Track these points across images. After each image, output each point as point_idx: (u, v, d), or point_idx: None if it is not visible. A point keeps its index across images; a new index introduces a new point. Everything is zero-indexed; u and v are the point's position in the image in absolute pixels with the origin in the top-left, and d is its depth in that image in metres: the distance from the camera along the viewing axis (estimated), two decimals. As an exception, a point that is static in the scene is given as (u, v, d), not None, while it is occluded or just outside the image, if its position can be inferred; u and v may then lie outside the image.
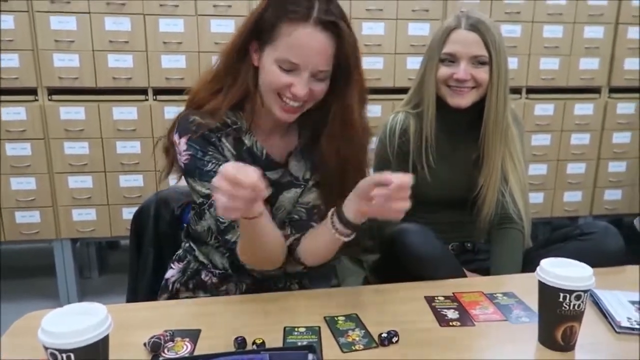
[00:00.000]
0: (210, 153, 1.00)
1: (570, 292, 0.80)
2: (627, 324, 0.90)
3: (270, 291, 1.09)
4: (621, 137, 2.63)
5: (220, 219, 1.00)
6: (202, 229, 1.10)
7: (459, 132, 1.36)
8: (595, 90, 2.58)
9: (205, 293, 1.12)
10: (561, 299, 0.81)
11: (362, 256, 1.53)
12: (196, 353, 0.81)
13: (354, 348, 0.84)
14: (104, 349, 0.67)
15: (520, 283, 1.10)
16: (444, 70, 1.28)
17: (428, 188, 1.36)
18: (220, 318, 0.93)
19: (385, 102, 2.38)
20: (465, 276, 1.23)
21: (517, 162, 1.32)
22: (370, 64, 2.35)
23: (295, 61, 0.93)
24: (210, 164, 0.99)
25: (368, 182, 0.90)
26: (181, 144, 1.00)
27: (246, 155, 1.04)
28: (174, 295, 1.14)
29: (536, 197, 2.61)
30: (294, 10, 0.92)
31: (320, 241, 1.02)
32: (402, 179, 0.85)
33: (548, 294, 0.83)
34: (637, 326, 0.90)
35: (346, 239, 0.97)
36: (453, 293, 1.04)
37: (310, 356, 0.73)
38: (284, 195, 1.08)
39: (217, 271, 1.12)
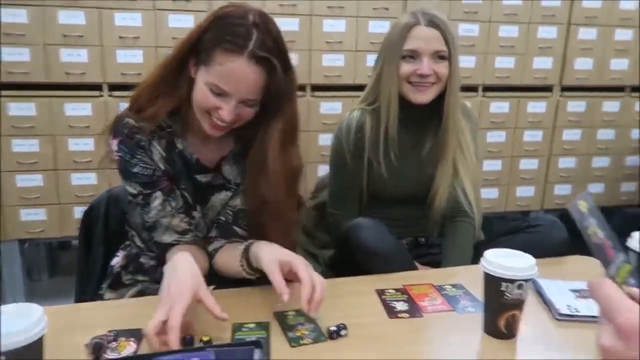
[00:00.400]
0: (138, 156, 1.03)
1: (512, 281, 0.83)
2: (567, 312, 0.94)
3: (210, 274, 1.09)
4: (571, 134, 2.73)
5: (146, 218, 1.04)
6: (134, 223, 1.12)
7: (418, 128, 1.38)
8: (548, 88, 2.67)
9: (145, 275, 1.13)
10: (503, 288, 0.83)
11: (317, 251, 1.53)
12: (140, 352, 0.79)
13: (302, 342, 0.84)
14: (38, 351, 0.65)
15: (469, 274, 1.13)
16: (406, 67, 1.30)
17: (384, 184, 1.37)
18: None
19: (345, 99, 2.39)
20: (417, 269, 1.25)
21: (468, 155, 1.35)
22: (331, 61, 2.36)
23: (224, 88, 0.95)
24: (137, 167, 1.03)
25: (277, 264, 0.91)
26: (113, 144, 1.04)
27: (177, 158, 1.07)
28: (116, 279, 1.14)
29: (491, 192, 2.68)
30: (231, 40, 0.93)
31: (232, 266, 1.03)
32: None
33: (491, 284, 0.85)
34: (576, 313, 0.93)
35: (253, 277, 1.00)
36: (403, 285, 1.06)
37: (256, 352, 0.73)
38: (216, 196, 1.11)
39: (153, 254, 1.12)
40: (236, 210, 1.11)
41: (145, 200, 1.04)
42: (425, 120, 1.37)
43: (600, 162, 2.84)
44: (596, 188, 2.87)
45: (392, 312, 0.95)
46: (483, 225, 1.51)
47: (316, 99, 2.36)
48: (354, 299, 1.00)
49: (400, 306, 0.97)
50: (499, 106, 2.59)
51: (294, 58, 1.02)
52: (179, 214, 1.06)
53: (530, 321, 0.91)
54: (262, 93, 0.98)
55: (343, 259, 1.30)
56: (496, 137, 2.63)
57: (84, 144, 2.16)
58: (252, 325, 0.88)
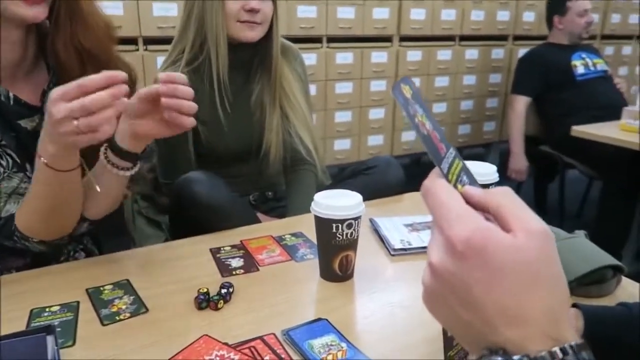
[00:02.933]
0: None
1: (342, 221, 0.80)
2: (400, 246, 0.95)
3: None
4: (412, 82, 2.88)
5: None
6: None
7: (244, 73, 1.31)
8: (388, 39, 2.75)
9: None
10: (334, 230, 0.80)
11: (160, 217, 1.40)
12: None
13: (118, 318, 0.73)
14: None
15: (309, 222, 1.09)
16: (232, 4, 1.20)
17: (219, 141, 1.28)
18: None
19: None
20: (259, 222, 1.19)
21: (295, 100, 1.31)
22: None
23: None
24: None
25: (135, 98, 0.78)
26: None
27: None
28: None
29: (344, 143, 2.74)
30: None
31: (100, 184, 0.84)
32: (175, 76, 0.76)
33: (322, 226, 0.81)
34: (409, 246, 0.95)
35: (127, 173, 0.84)
36: (241, 241, 0.99)
37: (49, 339, 0.60)
38: None
39: None
40: None
41: None
42: (250, 64, 1.31)
43: (439, 107, 3.05)
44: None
45: (225, 270, 0.87)
46: (336, 174, 1.50)
47: (151, 53, 2.14)
48: (185, 261, 0.91)
49: (236, 263, 0.90)
50: (344, 57, 2.61)
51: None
52: (16, 174, 0.84)
53: (367, 260, 0.91)
54: None
55: (179, 221, 1.18)
56: (344, 88, 2.66)
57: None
58: (55, 309, 0.74)
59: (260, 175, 1.36)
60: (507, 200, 0.36)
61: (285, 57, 1.33)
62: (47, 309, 0.74)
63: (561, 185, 2.53)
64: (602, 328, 0.59)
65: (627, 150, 1.88)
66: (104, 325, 0.71)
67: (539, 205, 2.83)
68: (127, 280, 0.83)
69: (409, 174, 1.31)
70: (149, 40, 2.13)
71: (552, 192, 2.71)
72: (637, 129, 1.88)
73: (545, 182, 2.79)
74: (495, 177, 0.97)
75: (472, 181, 0.40)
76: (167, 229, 1.37)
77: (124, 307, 0.75)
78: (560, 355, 0.31)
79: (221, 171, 1.31)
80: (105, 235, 1.55)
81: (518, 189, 2.68)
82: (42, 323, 0.71)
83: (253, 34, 1.22)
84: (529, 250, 0.33)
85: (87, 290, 0.79)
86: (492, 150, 3.40)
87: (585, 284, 0.78)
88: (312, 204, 0.83)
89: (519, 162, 2.56)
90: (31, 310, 0.73)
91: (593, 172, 2.38)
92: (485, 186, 0.99)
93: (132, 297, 0.78)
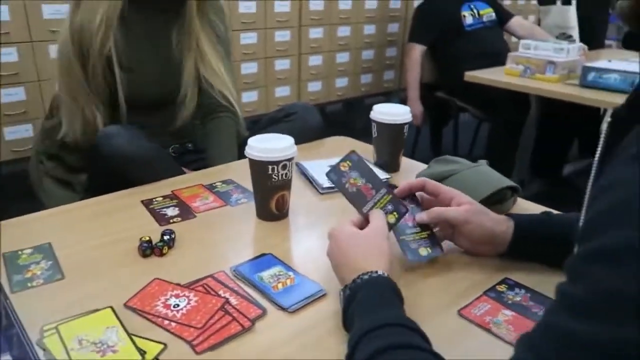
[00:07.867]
0: None
1: (277, 162, 0.84)
2: (328, 184, 1.01)
3: None
4: (316, 33, 2.90)
5: None
6: None
7: (158, 14, 1.25)
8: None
9: None
10: (270, 171, 0.84)
11: (70, 177, 1.33)
12: None
13: (30, 285, 0.70)
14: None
15: (237, 169, 1.12)
16: None
17: (137, 88, 1.23)
18: None
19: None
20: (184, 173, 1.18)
21: (207, 45, 1.27)
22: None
23: None
24: None
25: None
26: None
27: None
28: None
29: (251, 96, 2.73)
30: None
31: None
32: None
33: (259, 168, 0.85)
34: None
35: None
36: (172, 191, 0.99)
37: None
38: None
39: None
40: None
41: None
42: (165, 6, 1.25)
43: (342, 57, 3.12)
44: (341, 82, 3.17)
45: (162, 219, 0.88)
46: (249, 126, 1.50)
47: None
48: (117, 215, 0.90)
49: (171, 212, 0.91)
50: (247, 6, 2.56)
51: None
52: None
53: (299, 199, 0.96)
54: None
55: (100, 178, 1.14)
56: (249, 39, 2.62)
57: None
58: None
59: (176, 124, 1.31)
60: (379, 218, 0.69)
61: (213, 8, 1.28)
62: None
63: (455, 127, 2.76)
64: (528, 226, 0.76)
65: (511, 92, 2.10)
66: (13, 292, 0.68)
67: (435, 147, 3.07)
68: (50, 243, 0.79)
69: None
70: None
71: (446, 134, 2.95)
72: (519, 72, 2.10)
73: (440, 125, 3.02)
74: (408, 117, 1.06)
75: (397, 208, 0.71)
76: (82, 189, 1.31)
77: (39, 272, 0.72)
78: (361, 278, 0.60)
79: (138, 120, 1.26)
80: (10, 200, 1.45)
81: (417, 133, 2.88)
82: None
83: None
84: (362, 236, 0.67)
85: (4, 254, 0.76)
86: (392, 97, 3.57)
87: (490, 203, 0.91)
88: (247, 147, 0.85)
89: (415, 107, 2.73)
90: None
91: (483, 113, 2.62)
92: (401, 125, 1.09)
93: (49, 262, 0.74)
